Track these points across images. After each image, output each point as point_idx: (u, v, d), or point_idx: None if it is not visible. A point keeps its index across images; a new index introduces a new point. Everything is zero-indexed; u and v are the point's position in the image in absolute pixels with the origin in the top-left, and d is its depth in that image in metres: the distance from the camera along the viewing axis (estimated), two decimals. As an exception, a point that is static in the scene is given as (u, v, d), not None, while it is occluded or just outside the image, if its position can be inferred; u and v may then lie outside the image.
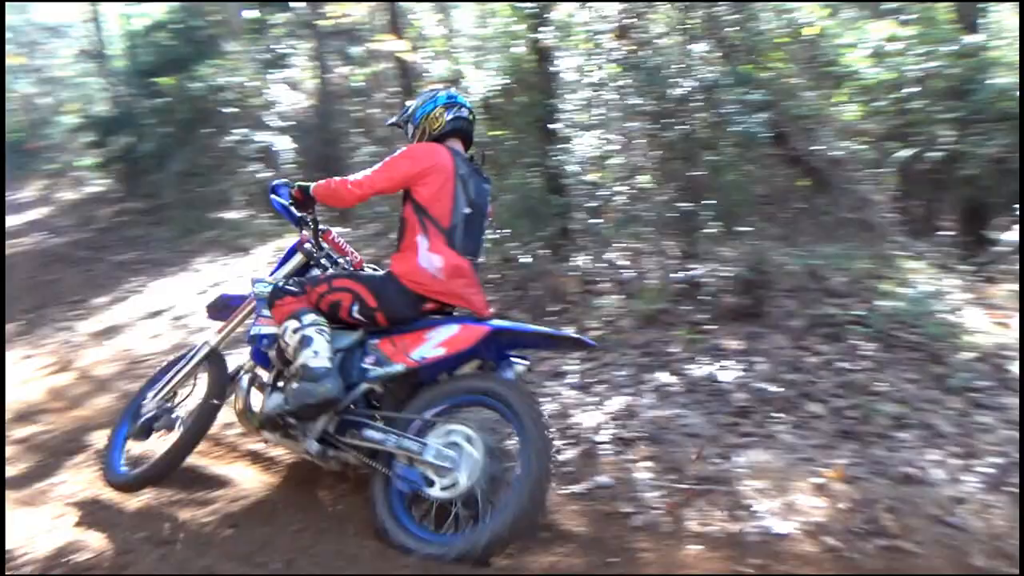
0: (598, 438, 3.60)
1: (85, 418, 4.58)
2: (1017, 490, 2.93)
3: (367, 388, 2.89)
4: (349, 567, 2.54)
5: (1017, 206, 5.11)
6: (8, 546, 2.64)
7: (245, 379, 3.15)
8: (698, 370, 4.20)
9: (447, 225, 2.84)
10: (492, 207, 3.21)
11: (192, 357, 3.36)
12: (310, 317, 2.86)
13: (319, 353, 2.77)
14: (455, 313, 2.96)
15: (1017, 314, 4.29)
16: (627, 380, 4.21)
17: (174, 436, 3.19)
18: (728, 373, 4.09)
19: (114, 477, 3.23)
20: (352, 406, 2.88)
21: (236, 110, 9.99)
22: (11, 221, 14.70)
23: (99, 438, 3.85)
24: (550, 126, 6.09)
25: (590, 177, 6.33)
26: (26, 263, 10.57)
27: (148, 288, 7.98)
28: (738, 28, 6.05)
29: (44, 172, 18.72)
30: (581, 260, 5.91)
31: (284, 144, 10.20)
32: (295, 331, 2.82)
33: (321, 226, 3.23)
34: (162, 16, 12.31)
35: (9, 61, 18.85)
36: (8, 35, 21.67)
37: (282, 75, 10.77)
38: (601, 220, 6.04)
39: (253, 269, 7.94)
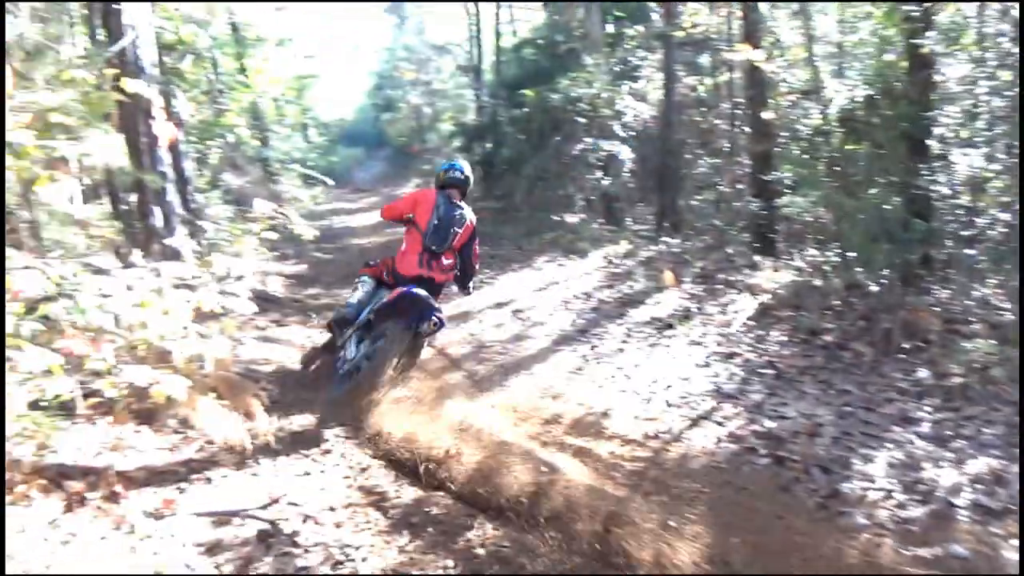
0: (955, 501, 3.15)
1: (440, 389, 5.24)
2: None
3: (369, 315, 4.60)
4: None
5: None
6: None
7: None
8: (1100, 443, 3.45)
9: (423, 229, 4.66)
10: (469, 223, 4.84)
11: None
12: (363, 278, 4.91)
13: (354, 295, 4.76)
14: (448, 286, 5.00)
15: None
16: (997, 440, 3.62)
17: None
18: None
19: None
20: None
21: (586, 120, 10.56)
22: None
23: (449, 406, 4.41)
24: (923, 141, 5.44)
25: (964, 200, 5.55)
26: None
27: (496, 281, 8.83)
28: None
29: (419, 171, 21.76)
30: (945, 295, 5.21)
31: (626, 153, 10.55)
32: (354, 283, 4.88)
33: None
34: (529, 33, 13.50)
35: (404, 76, 22.24)
36: (403, 53, 25.51)
37: (631, 86, 11.14)
38: (974, 251, 5.26)
39: (585, 272, 8.35)
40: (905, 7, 5.65)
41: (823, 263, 6.31)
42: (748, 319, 5.88)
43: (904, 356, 4.75)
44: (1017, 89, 5.08)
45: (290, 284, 8.90)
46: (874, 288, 5.48)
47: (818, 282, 6.07)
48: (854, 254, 5.78)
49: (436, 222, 4.66)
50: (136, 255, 3.11)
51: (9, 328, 2.06)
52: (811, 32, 8.32)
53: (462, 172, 4.95)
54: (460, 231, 4.74)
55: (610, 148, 10.36)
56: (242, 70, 11.57)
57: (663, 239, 8.77)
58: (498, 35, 16.70)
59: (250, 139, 12.77)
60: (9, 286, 2.10)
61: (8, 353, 2.04)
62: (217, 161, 10.62)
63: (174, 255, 3.62)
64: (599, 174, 10.83)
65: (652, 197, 13.03)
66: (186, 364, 3.11)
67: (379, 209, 5.18)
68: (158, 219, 3.81)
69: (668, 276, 7.06)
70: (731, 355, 5.28)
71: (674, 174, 10.57)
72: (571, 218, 11.37)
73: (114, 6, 3.70)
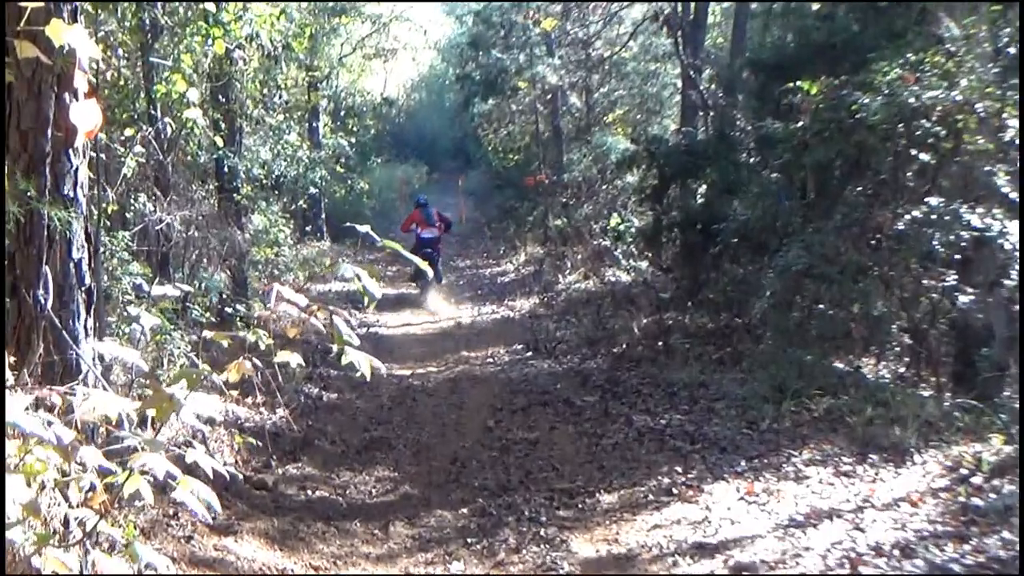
0: None
1: None
2: None
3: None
4: None
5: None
6: None
7: None
8: None
9: (423, 223, 27.27)
10: (435, 211, 27.61)
11: None
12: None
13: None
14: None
15: None
16: None
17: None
18: None
19: None
20: None
21: (934, 159, 10.52)
22: (467, 315, 17.70)
23: None
24: None
25: None
26: (485, 399, 12.57)
27: (699, 490, 8.75)
28: None
29: (533, 238, 22.34)
30: None
31: (1015, 238, 10.14)
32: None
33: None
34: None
35: (538, 25, 23.18)
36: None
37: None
38: None
39: (903, 495, 8.12)
40: None
41: None
42: None
43: None
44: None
45: (253, 448, 9.15)
46: None
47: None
48: None
49: (425, 218, 26.37)
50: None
51: None
52: None
53: (423, 199, 27.60)
54: (435, 216, 26.82)
55: (981, 224, 10.26)
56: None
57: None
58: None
59: (204, 131, 13.34)
60: None
61: None
62: (131, 172, 11.02)
63: (75, 369, 3.80)
64: (951, 277, 10.74)
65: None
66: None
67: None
68: (46, 290, 4.01)
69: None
70: None
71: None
72: (878, 367, 11.27)
73: None
